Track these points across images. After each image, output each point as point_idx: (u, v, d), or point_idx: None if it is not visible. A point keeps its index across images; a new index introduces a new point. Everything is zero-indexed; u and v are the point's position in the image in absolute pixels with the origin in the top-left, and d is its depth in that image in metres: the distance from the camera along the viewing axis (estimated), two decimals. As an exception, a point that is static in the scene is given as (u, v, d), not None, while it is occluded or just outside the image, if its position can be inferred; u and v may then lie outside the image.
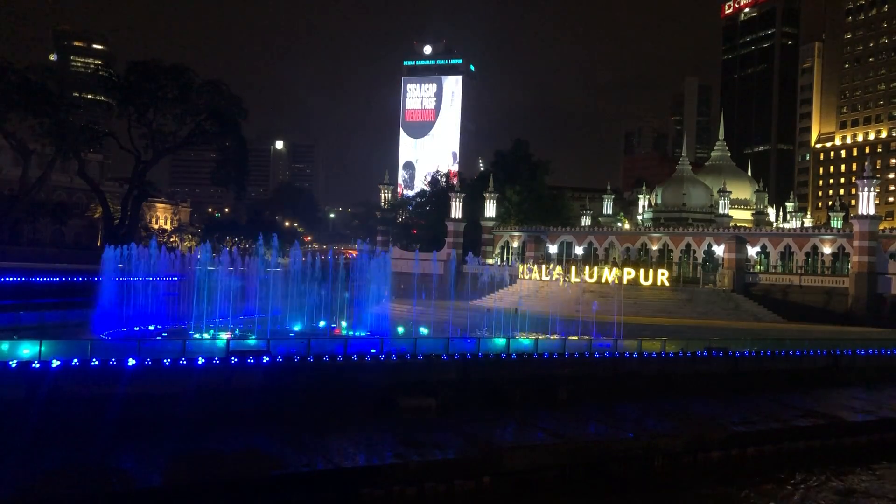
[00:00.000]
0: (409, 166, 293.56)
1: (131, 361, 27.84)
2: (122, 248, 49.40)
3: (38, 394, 25.83)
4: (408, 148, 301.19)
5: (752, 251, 79.77)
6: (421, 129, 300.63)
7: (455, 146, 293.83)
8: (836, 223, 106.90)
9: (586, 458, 27.76)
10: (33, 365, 26.48)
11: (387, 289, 58.55)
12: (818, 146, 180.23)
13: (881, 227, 73.85)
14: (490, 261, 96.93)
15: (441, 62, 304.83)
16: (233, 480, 22.76)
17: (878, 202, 79.35)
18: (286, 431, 27.16)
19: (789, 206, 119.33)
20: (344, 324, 50.69)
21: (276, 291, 51.44)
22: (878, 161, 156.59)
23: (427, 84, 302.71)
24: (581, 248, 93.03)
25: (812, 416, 34.74)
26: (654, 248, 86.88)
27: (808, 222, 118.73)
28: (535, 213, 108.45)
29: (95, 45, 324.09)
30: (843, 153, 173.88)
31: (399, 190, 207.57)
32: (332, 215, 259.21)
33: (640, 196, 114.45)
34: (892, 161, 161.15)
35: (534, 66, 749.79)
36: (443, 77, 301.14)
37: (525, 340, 41.11)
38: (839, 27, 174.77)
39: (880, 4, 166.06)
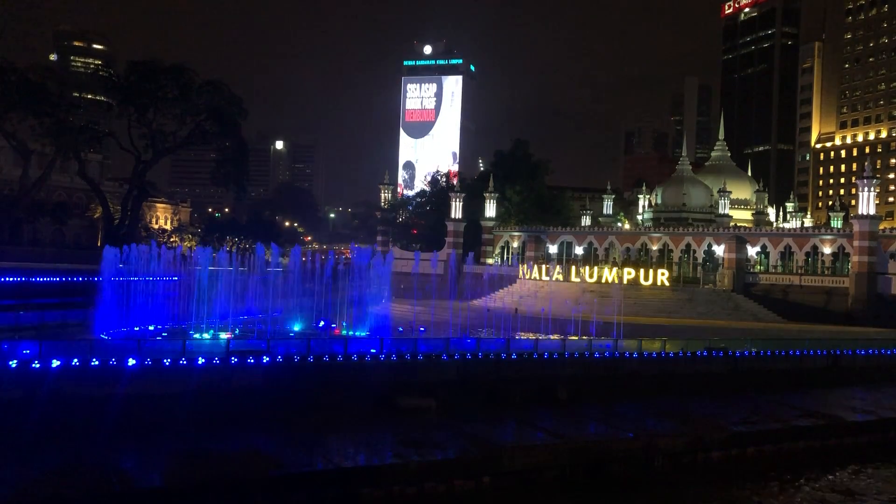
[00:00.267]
0: (409, 166, 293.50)
1: (131, 361, 27.83)
2: (128, 246, 49.35)
3: (38, 394, 25.81)
4: (408, 148, 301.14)
5: (752, 251, 79.78)
6: (421, 129, 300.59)
7: (455, 146, 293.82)
8: (836, 223, 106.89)
9: (586, 458, 27.75)
10: (33, 365, 26.47)
11: (387, 289, 58.55)
12: (818, 146, 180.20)
13: (881, 227, 73.85)
14: (490, 261, 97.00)
15: (441, 62, 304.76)
16: (233, 480, 22.75)
17: (878, 202, 79.32)
18: (286, 431, 27.16)
19: (789, 206, 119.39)
20: (344, 324, 50.68)
21: (276, 291, 51.45)
22: (878, 161, 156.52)
23: (427, 84, 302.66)
24: (581, 248, 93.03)
25: (812, 416, 34.71)
26: (654, 248, 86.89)
27: (808, 222, 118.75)
28: (535, 213, 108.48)
29: (95, 45, 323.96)
30: (843, 153, 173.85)
31: (399, 190, 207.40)
32: (332, 215, 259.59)
33: (640, 196, 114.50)
34: (892, 161, 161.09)
35: (534, 66, 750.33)
36: (443, 77, 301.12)
37: (525, 340, 41.11)
38: (839, 27, 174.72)
39: (880, 4, 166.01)
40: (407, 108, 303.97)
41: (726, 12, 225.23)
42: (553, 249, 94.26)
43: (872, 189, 71.35)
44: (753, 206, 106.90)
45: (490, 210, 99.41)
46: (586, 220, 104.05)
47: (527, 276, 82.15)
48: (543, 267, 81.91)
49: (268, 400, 29.13)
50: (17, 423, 24.69)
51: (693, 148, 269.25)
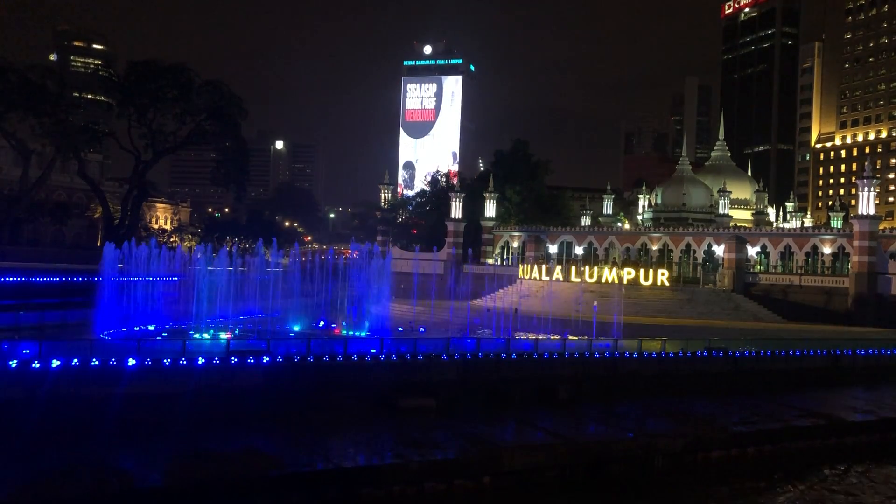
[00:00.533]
0: (409, 166, 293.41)
1: (131, 361, 27.84)
2: (127, 244, 49.30)
3: (38, 394, 25.83)
4: (408, 148, 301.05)
5: (752, 251, 79.76)
6: (421, 128, 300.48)
7: (455, 146, 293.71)
8: (836, 223, 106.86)
9: (586, 459, 27.74)
10: (33, 365, 26.48)
11: (387, 289, 58.58)
12: (818, 146, 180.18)
13: (881, 227, 73.81)
14: (490, 261, 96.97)
15: (441, 62, 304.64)
16: (233, 480, 22.76)
17: (878, 202, 79.31)
18: (286, 431, 27.17)
19: (789, 205, 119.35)
20: (344, 323, 50.70)
21: (275, 291, 51.49)
22: (878, 161, 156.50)
23: (427, 84, 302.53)
24: (581, 248, 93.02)
25: (812, 416, 34.71)
26: (654, 248, 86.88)
27: (808, 222, 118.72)
28: (535, 213, 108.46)
29: (95, 45, 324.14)
30: (843, 153, 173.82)
31: (399, 190, 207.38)
32: (332, 215, 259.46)
33: (640, 196, 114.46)
34: (892, 161, 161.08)
35: (534, 66, 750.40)
36: (443, 77, 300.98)
37: (525, 340, 41.11)
38: (839, 27, 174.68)
39: (880, 4, 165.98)
40: (407, 108, 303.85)
41: (726, 12, 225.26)
42: (553, 249, 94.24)
43: (872, 189, 71.34)
44: (753, 206, 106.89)
45: (490, 210, 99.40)
46: (586, 220, 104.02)
47: (527, 277, 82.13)
48: (543, 267, 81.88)
49: (268, 400, 29.12)
50: (17, 423, 24.69)
51: (693, 148, 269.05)
